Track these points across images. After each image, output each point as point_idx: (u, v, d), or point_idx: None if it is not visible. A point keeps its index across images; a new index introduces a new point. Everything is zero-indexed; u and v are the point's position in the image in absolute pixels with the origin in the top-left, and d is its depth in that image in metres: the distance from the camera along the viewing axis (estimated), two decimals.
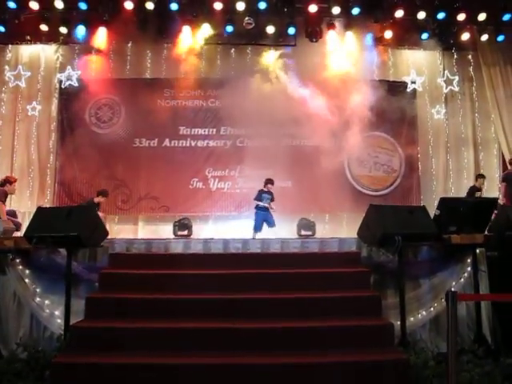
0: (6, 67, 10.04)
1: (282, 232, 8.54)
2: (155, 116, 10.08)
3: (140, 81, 10.29)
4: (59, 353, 4.43)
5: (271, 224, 8.78)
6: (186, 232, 8.96)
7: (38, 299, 5.26)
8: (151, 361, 4.13)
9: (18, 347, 4.75)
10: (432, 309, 5.40)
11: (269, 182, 9.02)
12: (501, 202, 7.88)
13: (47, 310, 5.23)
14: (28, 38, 10.00)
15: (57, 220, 5.09)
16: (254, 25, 9.48)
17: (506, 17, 9.40)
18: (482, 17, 9.41)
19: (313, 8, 9.34)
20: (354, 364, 4.16)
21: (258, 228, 8.75)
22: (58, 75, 10.07)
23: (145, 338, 4.43)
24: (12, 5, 9.00)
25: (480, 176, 9.46)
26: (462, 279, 5.48)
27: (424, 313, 5.39)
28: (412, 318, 5.30)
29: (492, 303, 5.25)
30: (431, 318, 5.39)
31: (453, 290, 5.03)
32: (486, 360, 4.55)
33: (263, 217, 8.83)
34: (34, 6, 9.09)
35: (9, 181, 7.49)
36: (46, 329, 5.21)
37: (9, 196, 7.76)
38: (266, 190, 8.98)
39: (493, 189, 10.04)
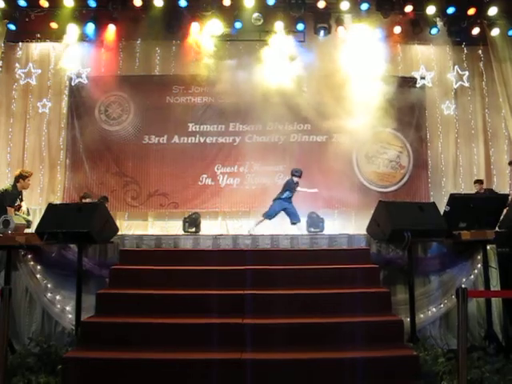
0: (17, 65, 10.11)
1: (291, 228, 8.52)
2: (164, 113, 10.14)
3: (149, 78, 10.32)
4: (71, 348, 4.49)
5: (294, 219, 8.21)
6: (194, 229, 8.98)
7: (49, 295, 5.33)
8: (162, 356, 4.17)
9: (31, 342, 4.83)
10: (442, 305, 5.39)
11: (294, 173, 8.34)
12: None
13: (58, 306, 5.30)
14: (38, 35, 10.05)
15: (67, 216, 5.15)
16: (262, 21, 9.46)
17: None
18: (492, 11, 9.31)
19: (321, 4, 9.32)
20: (364, 360, 4.16)
21: (269, 215, 8.17)
22: (68, 72, 10.09)
23: (155, 333, 4.47)
24: (22, 3, 9.08)
25: (476, 181, 9.28)
26: (472, 276, 5.48)
27: (434, 309, 5.39)
28: (422, 315, 5.30)
29: (503, 300, 5.23)
30: (441, 315, 5.39)
31: (463, 286, 5.01)
32: (496, 357, 4.53)
33: (281, 206, 8.23)
34: (44, 3, 9.17)
35: (22, 176, 7.35)
36: (58, 324, 5.29)
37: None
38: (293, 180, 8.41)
39: (503, 185, 9.97)
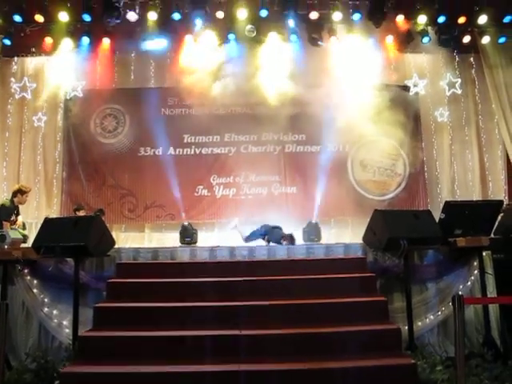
0: (12, 79, 10.10)
1: None
2: (159, 125, 10.12)
3: (144, 90, 10.34)
4: (68, 363, 4.46)
5: None
6: (191, 239, 8.99)
7: (46, 309, 5.32)
8: (160, 369, 4.16)
9: (27, 358, 4.79)
10: (439, 313, 5.41)
11: None
12: None
13: (55, 320, 5.28)
14: (33, 50, 10.06)
15: (64, 230, 5.16)
16: (256, 33, 9.52)
17: (507, 19, 9.41)
18: (482, 19, 9.41)
19: (314, 15, 9.39)
20: (362, 369, 4.16)
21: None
22: (63, 86, 10.09)
23: (153, 346, 4.46)
24: (18, 18, 9.10)
25: None
26: (469, 282, 5.50)
27: (431, 317, 5.40)
28: (419, 323, 5.31)
29: (500, 306, 5.25)
30: (439, 322, 5.40)
31: (460, 293, 5.03)
32: (494, 364, 4.54)
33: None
34: (40, 19, 9.20)
35: (21, 191, 7.36)
36: (55, 339, 5.27)
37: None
38: None
39: (499, 191, 10.02)
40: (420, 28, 9.59)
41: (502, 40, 9.78)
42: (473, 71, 10.59)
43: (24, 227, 7.64)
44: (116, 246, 6.00)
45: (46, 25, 9.44)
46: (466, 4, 9.33)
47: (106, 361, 4.28)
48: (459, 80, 10.49)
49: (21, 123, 10.11)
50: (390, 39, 9.96)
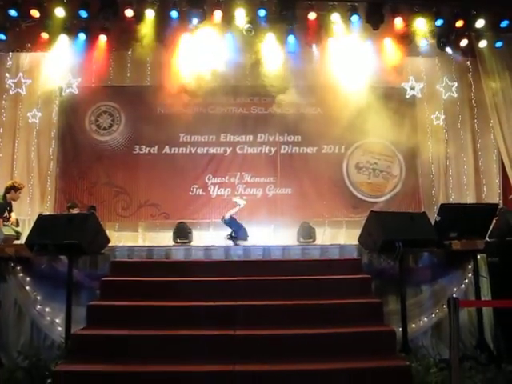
0: (7, 75, 10.01)
1: (283, 239, 8.52)
2: (155, 123, 10.10)
3: (140, 88, 10.29)
4: (60, 361, 4.42)
5: None
6: (185, 239, 8.96)
7: (38, 307, 5.28)
8: (153, 369, 4.14)
9: (19, 356, 4.75)
10: (433, 315, 5.41)
11: None
12: None
13: (48, 318, 5.24)
14: (29, 45, 9.98)
15: (58, 227, 5.11)
16: (253, 33, 9.50)
17: (504, 23, 9.46)
18: (479, 24, 9.45)
19: (312, 15, 9.39)
20: (355, 371, 4.17)
21: None
22: (59, 82, 10.03)
23: (146, 345, 4.44)
24: (13, 13, 9.02)
25: None
26: (463, 285, 5.52)
27: (425, 319, 5.40)
28: (413, 325, 5.31)
29: (494, 309, 5.25)
30: (433, 325, 5.40)
31: (454, 296, 5.03)
32: (488, 366, 4.54)
33: None
34: (35, 14, 9.12)
35: (14, 187, 7.31)
36: (47, 337, 5.22)
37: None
38: None
39: (493, 194, 10.06)
40: (418, 31, 9.58)
41: (498, 44, 9.83)
42: (469, 75, 10.63)
43: (17, 224, 7.57)
44: (110, 244, 5.96)
45: (41, 20, 9.34)
46: (464, 8, 9.35)
47: (99, 360, 4.24)
48: (456, 84, 10.54)
49: (15, 119, 10.01)
50: (387, 42, 9.96)
